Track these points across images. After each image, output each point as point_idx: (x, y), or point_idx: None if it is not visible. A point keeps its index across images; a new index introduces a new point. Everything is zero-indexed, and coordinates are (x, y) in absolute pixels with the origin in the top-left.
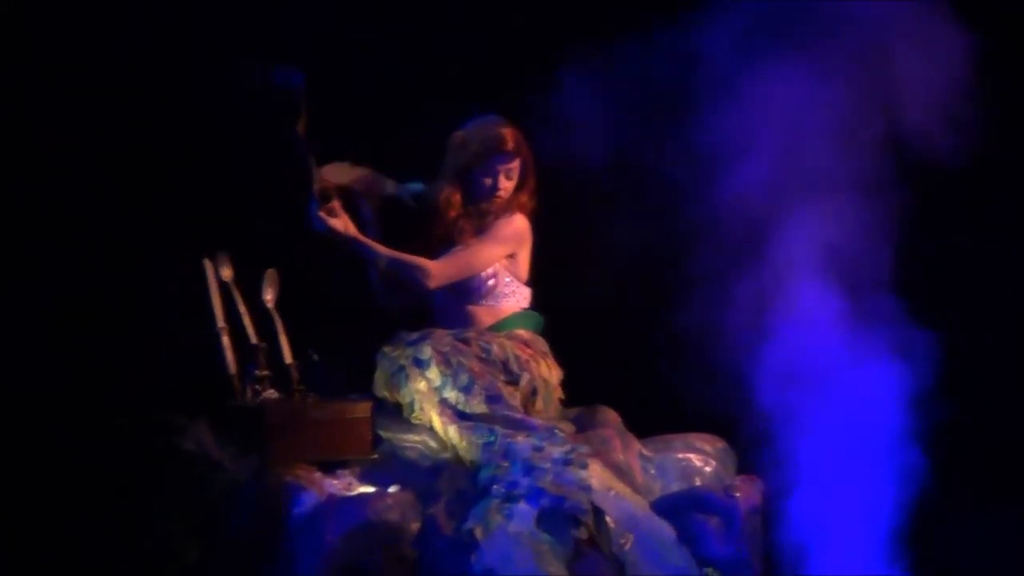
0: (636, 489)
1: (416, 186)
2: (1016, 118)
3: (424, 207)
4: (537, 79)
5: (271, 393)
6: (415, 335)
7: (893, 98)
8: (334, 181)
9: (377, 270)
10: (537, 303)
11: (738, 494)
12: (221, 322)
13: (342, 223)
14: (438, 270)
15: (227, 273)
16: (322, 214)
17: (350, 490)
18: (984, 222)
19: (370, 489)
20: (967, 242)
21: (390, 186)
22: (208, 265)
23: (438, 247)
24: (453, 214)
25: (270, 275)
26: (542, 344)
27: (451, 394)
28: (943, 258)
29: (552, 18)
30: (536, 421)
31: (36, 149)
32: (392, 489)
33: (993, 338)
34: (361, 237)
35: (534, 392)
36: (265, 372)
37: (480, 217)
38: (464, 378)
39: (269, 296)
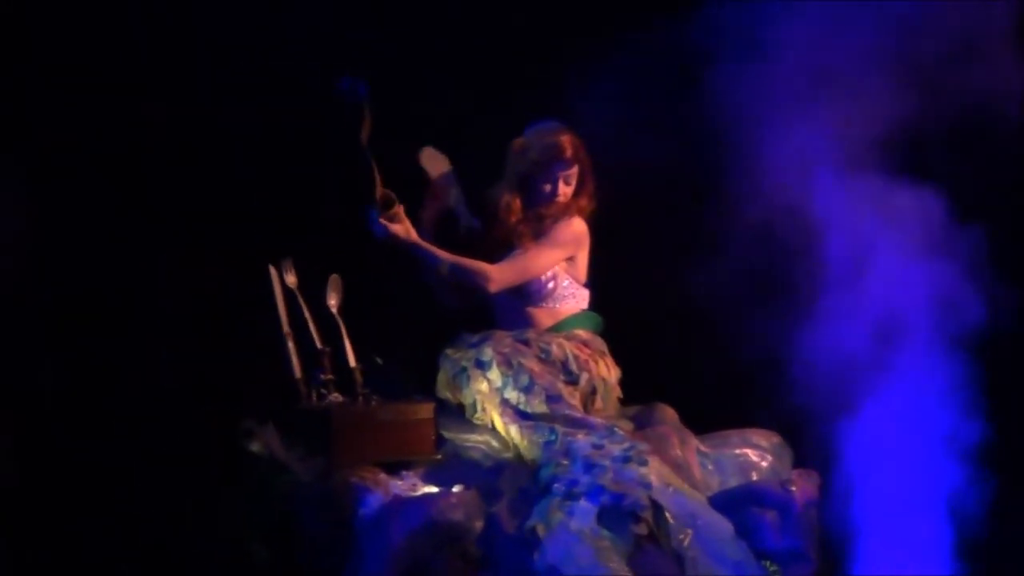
0: (694, 485)
1: (474, 220)
2: None
3: (471, 237)
4: (589, 82)
5: (336, 396)
6: (476, 337)
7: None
8: (426, 166)
9: (437, 275)
10: (595, 304)
11: (794, 488)
12: (286, 327)
13: (403, 229)
14: (498, 274)
15: (291, 279)
16: (383, 220)
17: (414, 490)
18: None
19: (434, 489)
20: None
21: (454, 197)
22: (273, 271)
23: (498, 251)
24: (513, 219)
25: (334, 280)
26: (600, 344)
27: (512, 394)
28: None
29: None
30: (596, 420)
31: (111, 156)
32: (455, 489)
33: None
34: (422, 243)
35: (593, 391)
36: (330, 376)
37: (539, 221)
38: (524, 378)
39: (333, 301)
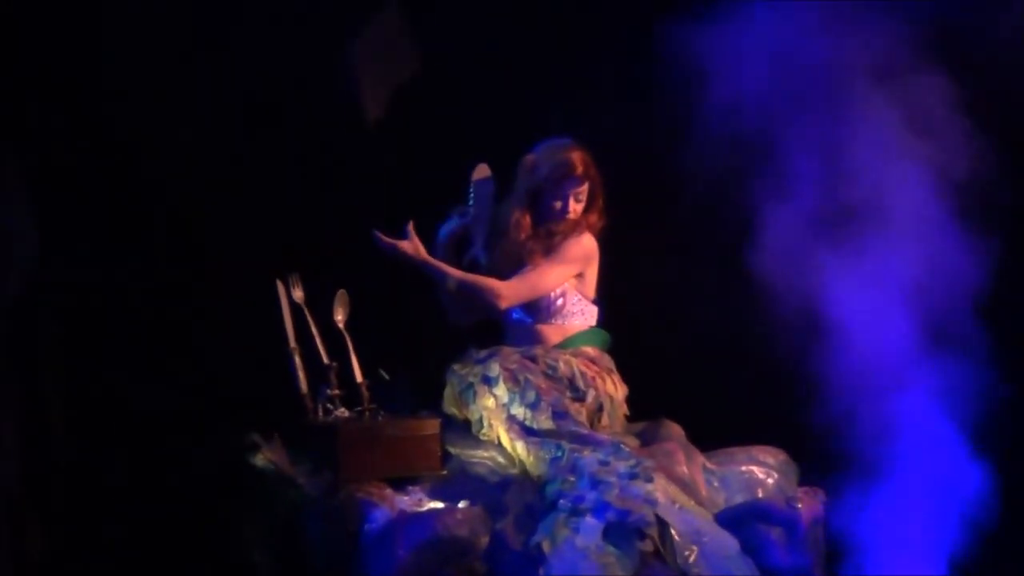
0: (700, 502)
1: (481, 252)
2: None
3: (473, 266)
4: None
5: (342, 411)
6: (483, 353)
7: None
8: (473, 183)
9: (447, 292)
10: (604, 321)
11: (800, 505)
12: (293, 342)
13: (412, 246)
14: (508, 291)
15: (299, 294)
16: (391, 240)
17: (420, 506)
18: None
19: (440, 505)
20: None
21: (480, 222)
22: (280, 286)
23: (507, 268)
24: (523, 236)
25: (341, 295)
26: (608, 361)
27: (519, 410)
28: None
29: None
30: (602, 436)
31: (119, 171)
32: (461, 504)
33: None
34: (431, 260)
35: (600, 408)
36: (336, 391)
37: (549, 238)
38: (531, 395)
39: (340, 316)
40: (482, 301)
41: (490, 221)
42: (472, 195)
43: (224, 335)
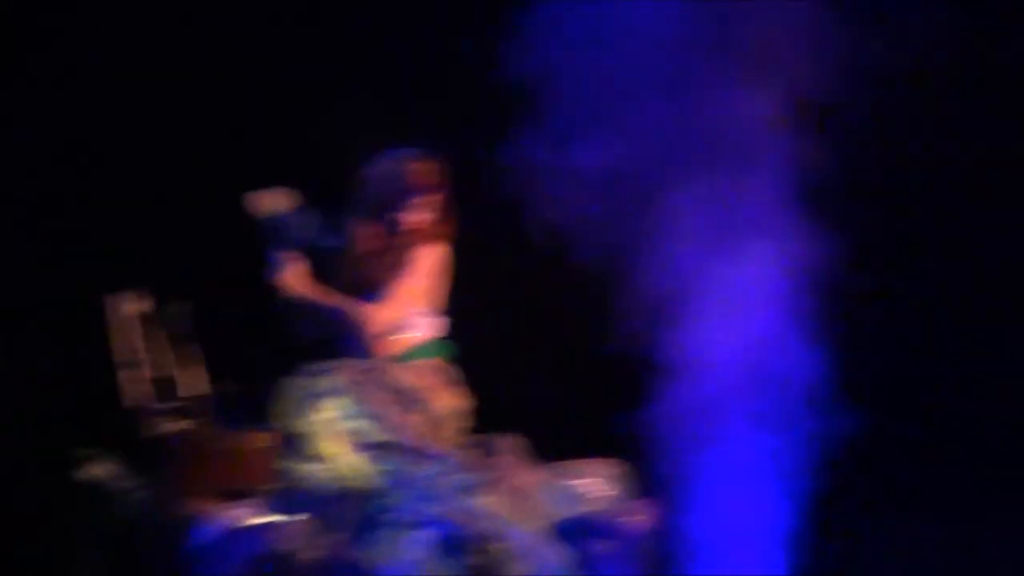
0: (534, 515)
1: (337, 242)
2: None
3: (332, 262)
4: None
5: (177, 425)
6: (319, 366)
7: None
8: (269, 209)
9: (302, 312)
10: (449, 332)
11: (634, 518)
12: (128, 355)
13: (295, 276)
14: (377, 314)
15: (137, 307)
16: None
17: (252, 520)
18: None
19: (273, 518)
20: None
21: (312, 229)
22: (113, 300)
23: (360, 284)
24: (373, 250)
25: (180, 308)
26: (448, 373)
27: (354, 423)
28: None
29: None
30: (437, 450)
31: None
32: (294, 518)
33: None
34: (310, 292)
35: (436, 422)
36: (172, 404)
37: (400, 251)
38: (367, 408)
39: (181, 328)
40: (351, 325)
41: (318, 233)
42: (279, 226)
43: (63, 347)
